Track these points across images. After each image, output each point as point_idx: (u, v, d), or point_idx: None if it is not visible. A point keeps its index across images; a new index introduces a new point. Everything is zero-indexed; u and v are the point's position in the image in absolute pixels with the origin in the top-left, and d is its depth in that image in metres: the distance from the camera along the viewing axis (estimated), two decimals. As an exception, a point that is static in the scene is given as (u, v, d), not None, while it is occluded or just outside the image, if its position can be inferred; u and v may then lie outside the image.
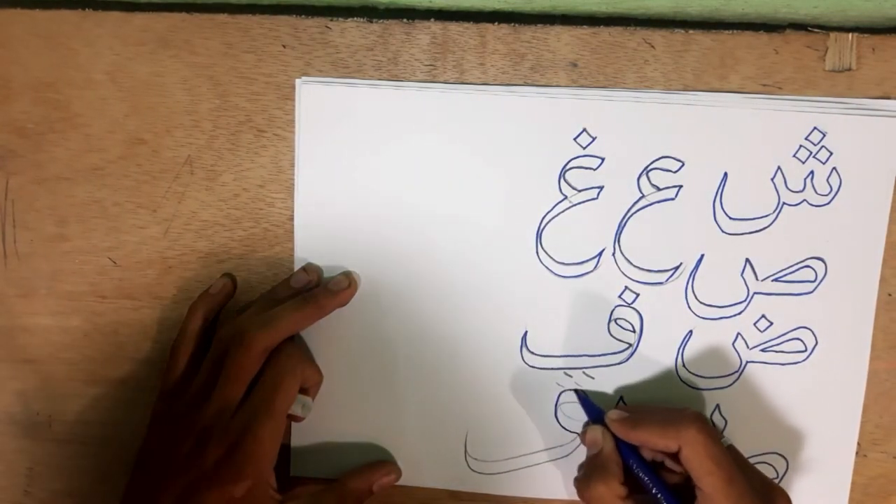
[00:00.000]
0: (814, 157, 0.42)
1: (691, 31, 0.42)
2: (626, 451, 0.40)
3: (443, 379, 0.44)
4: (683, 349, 0.43)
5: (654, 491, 0.38)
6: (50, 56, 0.44)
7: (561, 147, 0.42)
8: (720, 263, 0.43)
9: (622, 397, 0.44)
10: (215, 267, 0.45)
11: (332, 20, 0.43)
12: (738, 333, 0.43)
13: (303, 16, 0.43)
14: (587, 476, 0.39)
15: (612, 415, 0.40)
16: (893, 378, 0.43)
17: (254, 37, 0.43)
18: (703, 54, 0.42)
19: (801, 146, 0.42)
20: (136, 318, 0.46)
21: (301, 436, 0.45)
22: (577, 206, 0.43)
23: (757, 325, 0.43)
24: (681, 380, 0.43)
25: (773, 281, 0.43)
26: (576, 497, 0.44)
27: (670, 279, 0.43)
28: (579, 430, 0.44)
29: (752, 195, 0.42)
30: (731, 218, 0.42)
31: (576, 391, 0.44)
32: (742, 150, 0.42)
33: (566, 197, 0.43)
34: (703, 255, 0.43)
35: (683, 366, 0.43)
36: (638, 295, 0.43)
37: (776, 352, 0.43)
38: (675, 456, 0.38)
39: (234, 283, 0.44)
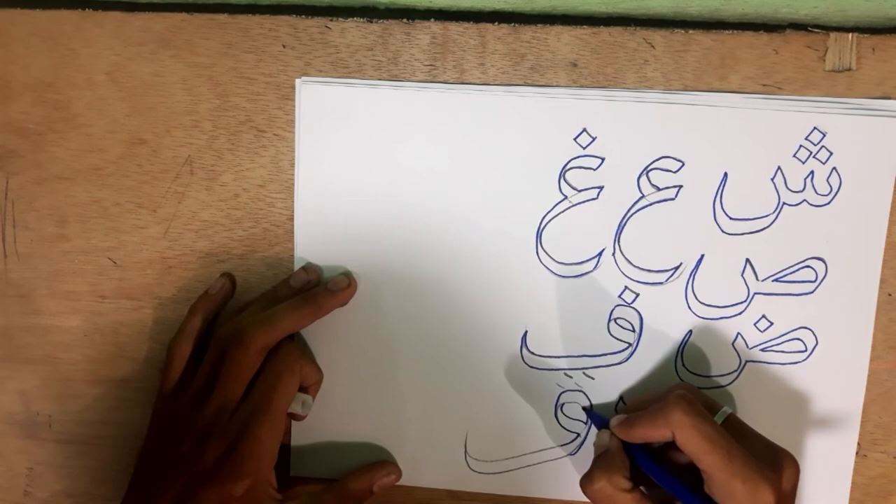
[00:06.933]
0: (814, 157, 0.42)
1: (691, 31, 0.42)
2: (632, 448, 0.40)
3: (443, 379, 0.44)
4: (683, 349, 0.43)
5: (660, 482, 0.39)
6: (50, 56, 0.44)
7: (561, 147, 0.42)
8: (720, 263, 0.43)
9: (622, 397, 0.44)
10: (215, 267, 0.45)
11: (332, 20, 0.43)
12: (739, 333, 0.43)
13: (303, 16, 0.43)
14: (590, 472, 0.39)
15: (614, 420, 0.40)
16: (893, 378, 0.43)
17: (254, 37, 0.43)
18: (703, 54, 0.42)
19: (801, 146, 0.42)
20: (136, 317, 0.46)
21: (301, 435, 0.45)
22: (577, 206, 0.43)
23: (757, 325, 0.43)
24: (681, 379, 0.43)
25: (773, 281, 0.43)
26: (576, 497, 0.44)
27: (670, 279, 0.43)
28: (579, 430, 0.44)
29: (752, 195, 0.42)
30: (731, 218, 0.42)
31: (583, 408, 0.44)
32: (742, 150, 0.42)
33: (566, 197, 0.43)
34: (703, 255, 0.43)
35: (683, 365, 0.43)
36: (638, 295, 0.43)
37: (776, 352, 0.43)
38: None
39: (233, 282, 0.44)
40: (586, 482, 0.39)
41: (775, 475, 0.36)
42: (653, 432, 0.38)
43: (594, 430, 0.44)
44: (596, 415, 0.43)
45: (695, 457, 0.37)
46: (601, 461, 0.40)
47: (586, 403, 0.44)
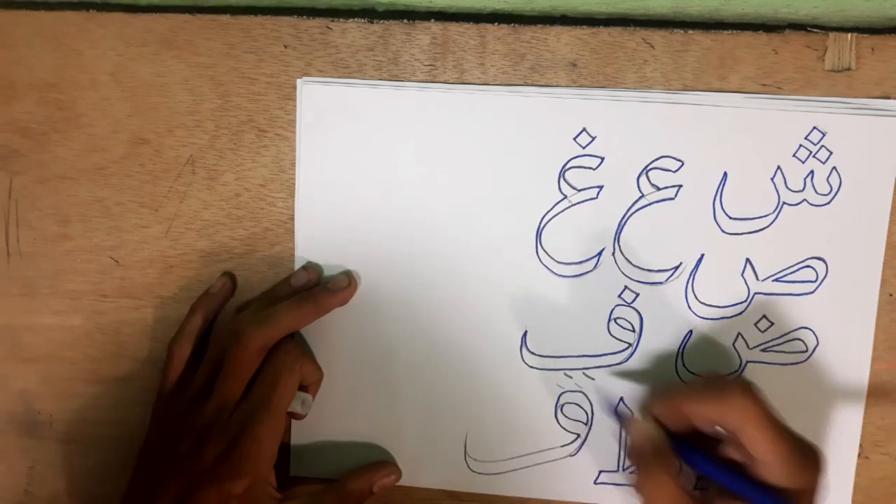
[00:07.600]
0: (814, 156, 0.42)
1: (691, 31, 0.42)
2: (675, 441, 0.38)
3: (443, 379, 0.44)
4: (683, 349, 0.43)
5: (709, 474, 0.38)
6: (53, 57, 0.44)
7: (561, 147, 0.42)
8: (720, 263, 0.43)
9: (622, 397, 0.44)
10: (216, 266, 0.45)
11: (332, 21, 0.43)
12: (739, 333, 0.43)
13: (304, 17, 0.43)
14: (646, 469, 0.37)
15: (653, 403, 0.39)
16: (895, 379, 0.43)
17: (255, 37, 0.43)
18: (702, 54, 0.42)
19: (800, 146, 0.42)
20: (138, 317, 0.46)
21: (301, 435, 0.45)
22: (577, 206, 0.43)
23: (757, 325, 0.43)
24: (681, 379, 0.43)
25: (773, 281, 0.43)
26: (576, 498, 0.44)
27: (670, 279, 0.43)
28: (579, 430, 0.44)
29: (752, 195, 0.42)
30: (731, 218, 0.42)
31: (610, 406, 0.43)
32: (742, 150, 0.42)
33: (566, 196, 0.43)
34: (703, 255, 0.43)
35: (683, 365, 0.43)
36: (638, 294, 0.43)
37: (777, 352, 0.43)
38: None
39: (233, 281, 0.45)
40: (644, 480, 0.37)
41: (820, 457, 0.37)
42: (704, 410, 0.37)
43: (595, 430, 0.44)
44: (607, 400, 0.42)
45: (758, 448, 0.36)
46: (650, 456, 0.37)
47: (586, 404, 0.44)
